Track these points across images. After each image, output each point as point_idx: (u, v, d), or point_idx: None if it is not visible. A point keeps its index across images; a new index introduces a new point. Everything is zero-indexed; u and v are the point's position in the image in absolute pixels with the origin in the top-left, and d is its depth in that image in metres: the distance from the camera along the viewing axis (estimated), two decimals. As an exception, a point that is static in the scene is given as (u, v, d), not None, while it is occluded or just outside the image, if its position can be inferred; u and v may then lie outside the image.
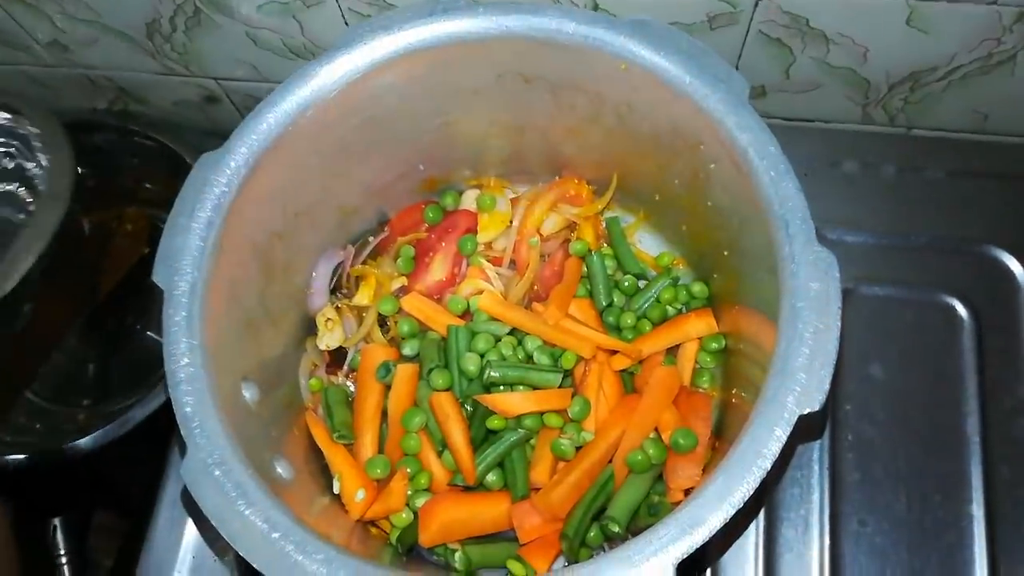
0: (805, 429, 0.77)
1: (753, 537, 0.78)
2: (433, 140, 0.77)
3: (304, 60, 0.71)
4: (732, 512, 0.52)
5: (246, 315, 0.69)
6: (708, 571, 0.77)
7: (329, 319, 0.80)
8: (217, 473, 0.57)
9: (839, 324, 0.55)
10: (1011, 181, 0.90)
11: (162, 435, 0.86)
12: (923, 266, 0.86)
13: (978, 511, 0.78)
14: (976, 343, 0.83)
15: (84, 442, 0.85)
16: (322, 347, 0.80)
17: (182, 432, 0.59)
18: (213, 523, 0.56)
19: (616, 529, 0.67)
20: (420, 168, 0.81)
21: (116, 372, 0.98)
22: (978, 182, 0.90)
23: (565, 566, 0.67)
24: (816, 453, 0.80)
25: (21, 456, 0.86)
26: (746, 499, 0.52)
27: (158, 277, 0.63)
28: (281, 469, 0.66)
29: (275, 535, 0.56)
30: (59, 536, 0.96)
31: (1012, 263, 0.86)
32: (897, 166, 0.90)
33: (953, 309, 0.85)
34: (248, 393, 0.66)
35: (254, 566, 0.55)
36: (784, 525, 0.78)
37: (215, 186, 0.64)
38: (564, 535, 0.67)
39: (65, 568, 0.95)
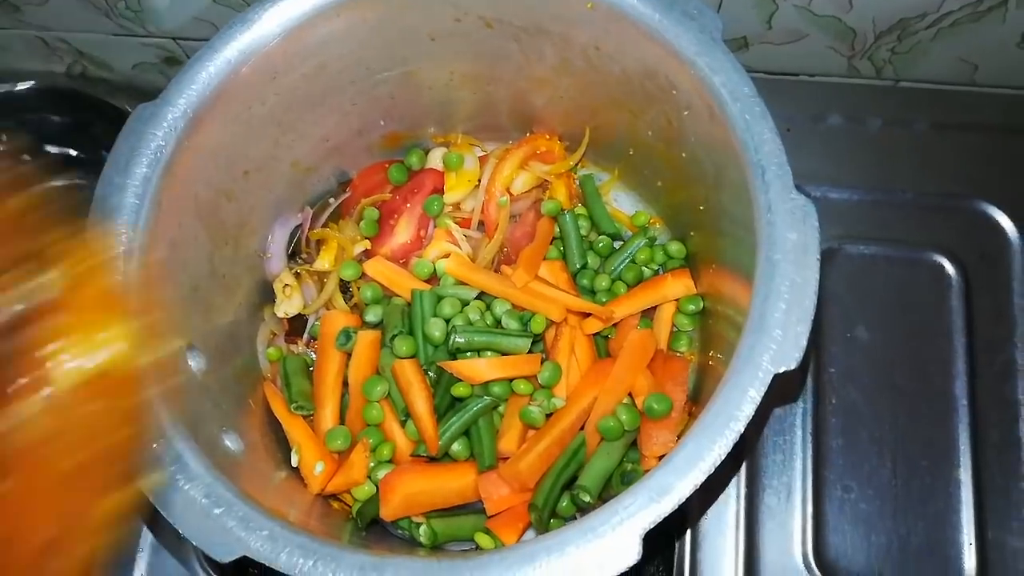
0: (782, 390, 0.74)
1: (734, 505, 0.75)
2: (391, 92, 0.73)
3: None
4: (702, 479, 0.48)
5: (191, 280, 0.65)
6: (688, 539, 0.74)
7: (287, 285, 0.76)
8: (155, 446, 0.53)
9: (817, 277, 0.51)
10: (1001, 134, 0.86)
11: None
12: (909, 223, 0.82)
13: (965, 476, 0.75)
14: (964, 302, 0.80)
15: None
16: (280, 315, 0.76)
17: (119, 402, 0.55)
18: (150, 499, 0.52)
19: (587, 499, 0.63)
20: (381, 123, 0.76)
21: None
22: (967, 135, 0.86)
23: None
24: (799, 418, 0.77)
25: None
26: (717, 464, 0.48)
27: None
28: (231, 443, 0.62)
29: (217, 511, 0.52)
30: None
31: (1001, 218, 0.83)
32: (883, 119, 0.87)
33: (940, 267, 0.82)
34: (194, 363, 0.62)
35: (194, 544, 0.51)
36: (766, 493, 0.75)
37: (151, 140, 0.60)
38: (533, 506, 0.64)
39: None
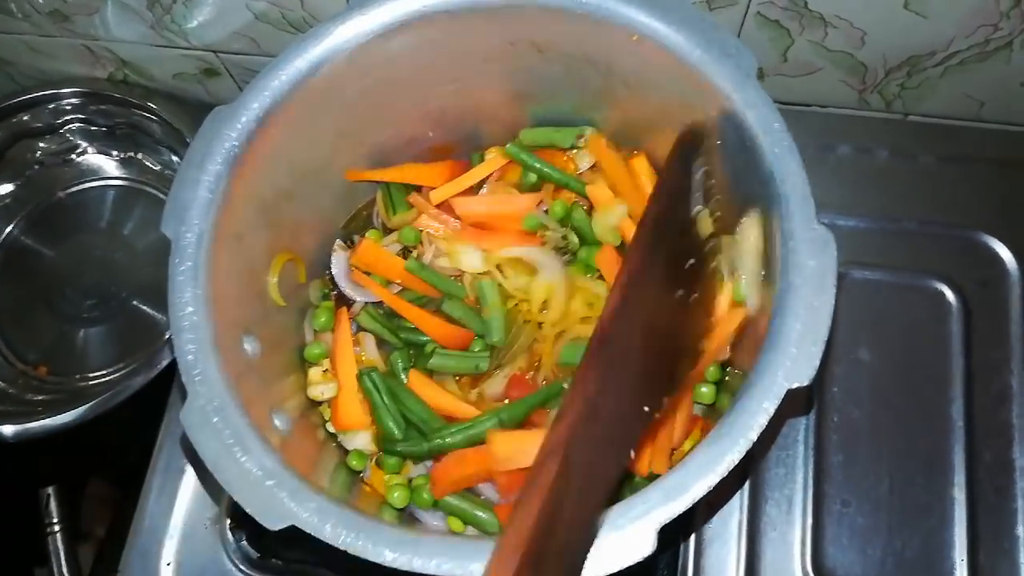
0: (793, 404, 0.78)
1: (737, 515, 0.79)
2: (443, 106, 0.78)
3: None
4: (716, 480, 0.52)
5: (251, 271, 0.70)
6: (692, 545, 0.78)
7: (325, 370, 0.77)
8: (216, 420, 0.58)
9: (832, 302, 0.55)
10: (1002, 168, 0.90)
11: (155, 405, 0.87)
12: (913, 252, 0.86)
13: (960, 495, 0.79)
14: (963, 328, 0.84)
15: (78, 412, 0.85)
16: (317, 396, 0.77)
17: (183, 379, 0.60)
18: (209, 468, 0.57)
19: None
20: (430, 135, 0.81)
21: (105, 342, 0.99)
22: (970, 169, 0.90)
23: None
24: (801, 434, 0.80)
25: (15, 426, 0.86)
26: (731, 468, 0.53)
27: (167, 227, 0.64)
28: (279, 422, 0.67)
29: (270, 482, 0.57)
30: (52, 505, 0.96)
31: (1001, 249, 0.87)
32: (890, 151, 0.91)
33: (942, 294, 0.85)
34: (249, 347, 0.67)
35: (247, 511, 0.56)
36: (768, 504, 0.79)
37: (226, 140, 0.65)
38: None
39: (58, 537, 0.96)
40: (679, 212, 0.62)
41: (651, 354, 0.55)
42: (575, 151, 0.80)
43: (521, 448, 0.66)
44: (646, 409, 0.54)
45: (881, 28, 0.79)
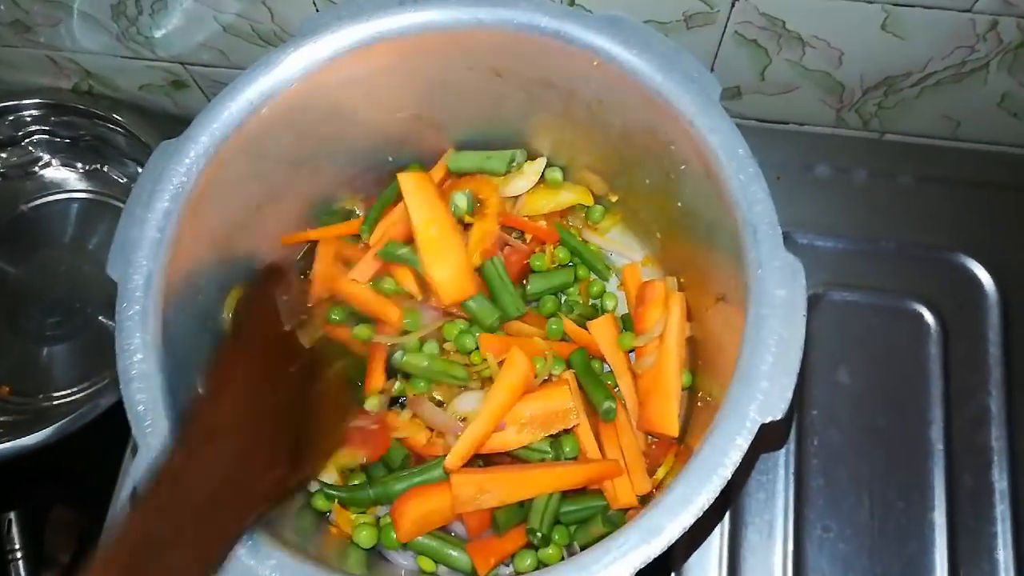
0: (768, 437, 0.76)
1: (718, 541, 0.77)
2: (401, 132, 0.76)
3: (274, 46, 0.70)
4: (692, 521, 0.51)
5: (205, 308, 0.67)
6: (672, 574, 0.77)
7: None
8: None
9: (803, 333, 0.54)
10: (981, 189, 0.90)
11: (121, 428, 0.83)
12: (891, 273, 0.86)
13: (940, 519, 0.78)
14: (942, 350, 0.83)
15: (42, 434, 0.82)
16: None
17: (134, 432, 0.57)
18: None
19: (537, 536, 0.66)
20: (389, 159, 0.79)
21: (70, 361, 0.96)
22: (948, 189, 0.90)
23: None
24: (782, 458, 0.79)
25: (-27, 449, 0.82)
26: (706, 508, 0.51)
27: (113, 270, 0.61)
28: (237, 468, 0.64)
29: (226, 538, 0.54)
30: (14, 531, 0.93)
31: (979, 271, 0.86)
32: (869, 171, 0.90)
33: (920, 316, 0.85)
34: (203, 390, 0.64)
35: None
36: (749, 530, 0.78)
37: (174, 175, 0.63)
38: (531, 530, 0.66)
39: (20, 564, 0.93)
40: (269, 328, 0.66)
41: (256, 440, 0.57)
42: (507, 175, 0.78)
43: (484, 488, 0.65)
44: (258, 487, 0.55)
45: (858, 48, 0.79)
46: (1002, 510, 0.78)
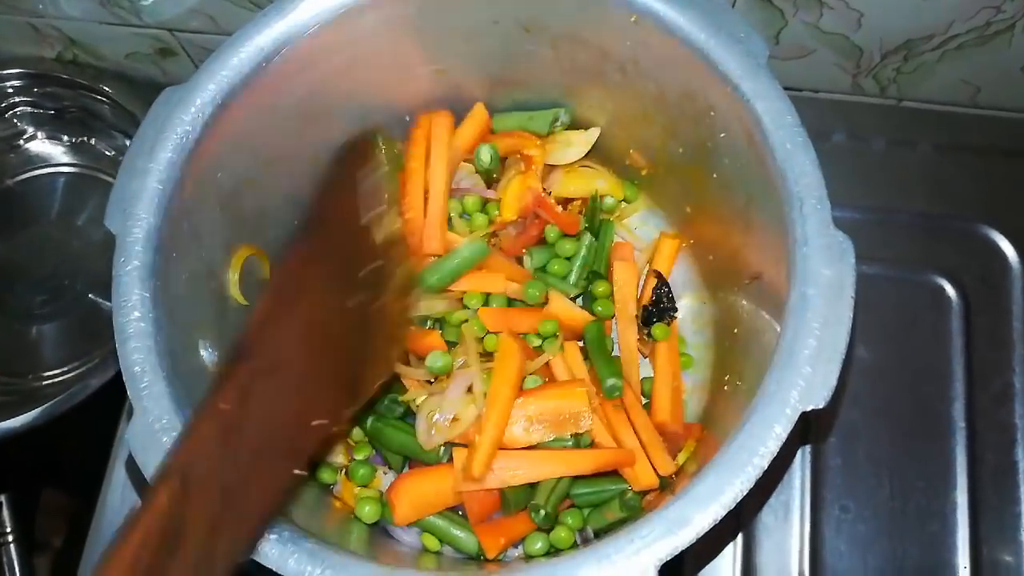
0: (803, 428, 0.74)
1: (732, 522, 0.74)
2: (420, 90, 0.71)
3: (264, 11, 0.65)
4: (723, 513, 0.48)
5: (209, 268, 0.64)
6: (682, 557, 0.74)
7: None
8: (165, 440, 0.52)
9: (851, 315, 0.51)
10: (1003, 157, 0.87)
11: (114, 407, 0.81)
12: (911, 244, 0.83)
13: (962, 498, 0.76)
14: (964, 325, 0.81)
15: (32, 415, 0.80)
16: None
17: (129, 393, 0.54)
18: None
19: (540, 514, 0.63)
20: (406, 119, 0.75)
21: (59, 340, 0.92)
22: (969, 158, 0.86)
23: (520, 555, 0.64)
24: (798, 436, 0.77)
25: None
26: (738, 500, 0.48)
27: (111, 222, 0.57)
28: (239, 436, 0.61)
29: (226, 511, 0.51)
30: (5, 514, 0.91)
31: (1003, 243, 0.83)
32: (886, 139, 0.87)
33: (941, 290, 0.82)
34: (206, 354, 0.61)
35: (202, 543, 0.50)
36: (764, 511, 0.76)
37: (178, 124, 0.59)
38: (534, 506, 0.63)
39: (11, 548, 0.90)
40: (346, 222, 0.58)
41: (318, 367, 0.51)
42: (550, 135, 0.74)
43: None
44: (315, 423, 0.49)
45: (879, 9, 0.75)
46: (1026, 488, 0.76)
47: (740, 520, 0.75)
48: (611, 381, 0.66)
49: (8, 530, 0.91)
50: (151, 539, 0.40)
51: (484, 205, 0.74)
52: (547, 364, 0.68)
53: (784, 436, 0.48)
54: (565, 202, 0.76)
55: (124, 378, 0.54)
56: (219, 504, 0.42)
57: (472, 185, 0.74)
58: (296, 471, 0.48)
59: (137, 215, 0.57)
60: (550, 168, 0.73)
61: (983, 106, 0.88)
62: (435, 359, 0.66)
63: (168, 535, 0.40)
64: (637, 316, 0.72)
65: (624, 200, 0.77)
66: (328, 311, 0.53)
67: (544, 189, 0.73)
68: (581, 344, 0.71)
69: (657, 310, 0.72)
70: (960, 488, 0.76)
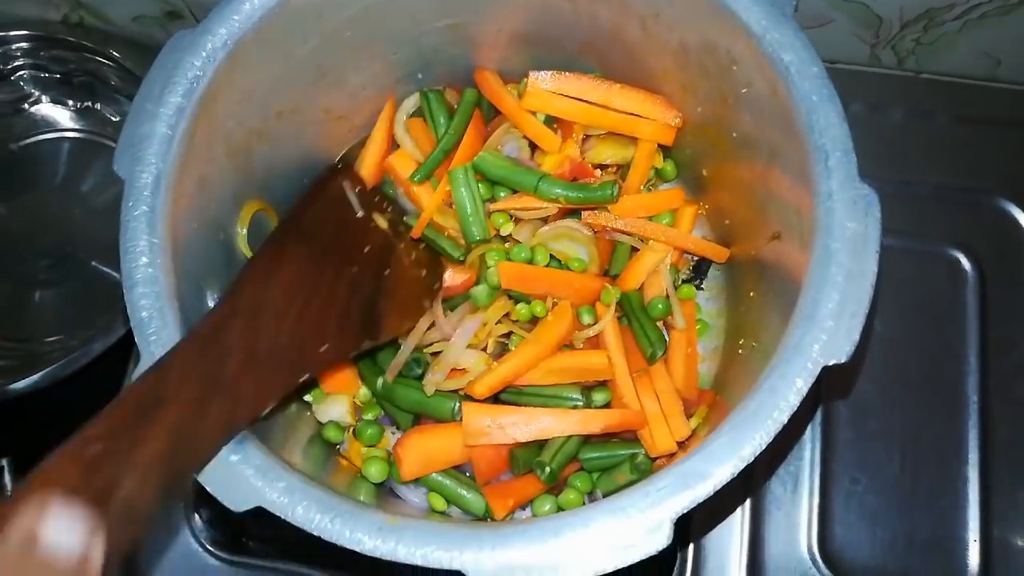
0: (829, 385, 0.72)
1: (740, 493, 0.74)
2: (434, 45, 0.70)
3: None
4: (742, 466, 0.47)
5: (217, 218, 0.63)
6: (693, 525, 0.73)
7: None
8: (173, 388, 0.51)
9: (875, 269, 0.49)
10: (1021, 131, 0.85)
11: (117, 372, 0.81)
12: (927, 216, 0.82)
13: (972, 473, 0.75)
14: (979, 298, 0.80)
15: (34, 379, 0.79)
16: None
17: (136, 340, 0.53)
18: (165, 441, 0.50)
19: (546, 471, 0.62)
20: (419, 76, 0.74)
21: (62, 305, 0.91)
22: (987, 130, 0.85)
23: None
24: (809, 409, 0.76)
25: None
26: (757, 453, 0.47)
27: (119, 166, 0.56)
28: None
29: (234, 458, 0.50)
30: (6, 478, 0.89)
31: (1020, 216, 0.82)
32: (904, 111, 0.86)
33: (957, 262, 0.81)
34: (213, 303, 0.60)
35: (209, 490, 0.50)
36: (773, 482, 0.75)
37: (188, 69, 0.57)
38: (539, 463, 0.62)
39: None
40: (325, 221, 0.66)
41: (313, 310, 0.58)
42: None
43: (497, 422, 0.61)
44: (321, 349, 0.57)
45: None
46: (1040, 465, 0.75)
47: (748, 493, 0.75)
48: (654, 349, 0.66)
49: (11, 493, 0.91)
50: (137, 397, 0.46)
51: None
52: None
53: (805, 390, 0.47)
54: (600, 169, 0.74)
55: (131, 323, 0.53)
56: (201, 389, 0.49)
57: (518, 152, 0.73)
58: (299, 377, 0.55)
59: (146, 160, 0.56)
60: (585, 136, 0.72)
61: (1003, 80, 0.87)
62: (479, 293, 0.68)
63: (152, 396, 0.47)
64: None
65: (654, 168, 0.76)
66: (316, 274, 0.60)
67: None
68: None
69: (696, 272, 0.73)
70: (971, 463, 0.75)
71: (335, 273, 0.62)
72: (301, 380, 0.55)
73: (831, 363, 0.48)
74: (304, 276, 0.59)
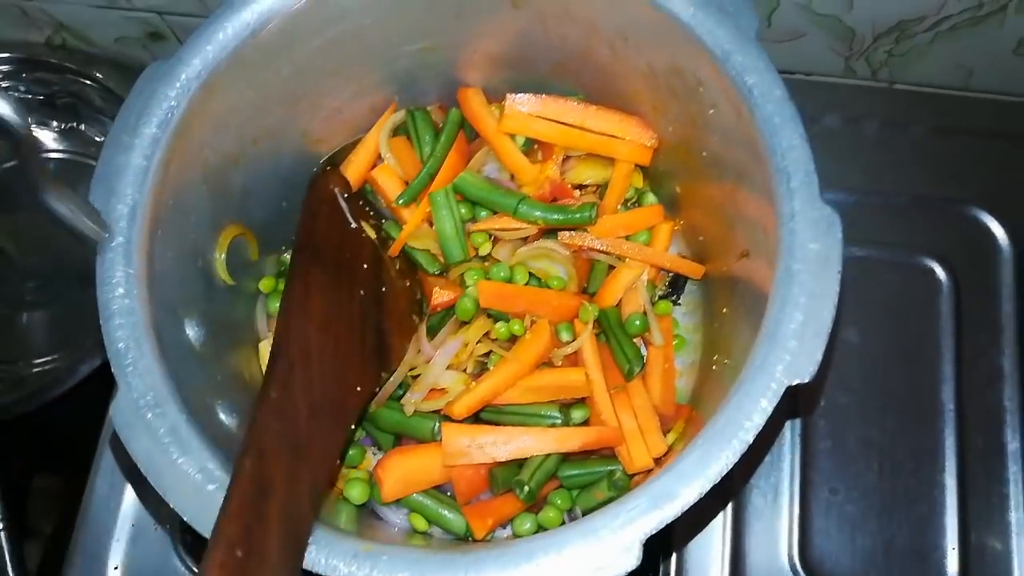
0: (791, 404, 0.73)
1: (720, 504, 0.75)
2: (409, 67, 0.71)
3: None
4: (709, 487, 0.48)
5: (195, 245, 0.63)
6: (674, 537, 0.74)
7: None
8: (150, 416, 0.52)
9: (837, 290, 0.50)
10: (995, 140, 0.87)
11: (104, 395, 0.80)
12: (902, 227, 0.83)
13: (951, 481, 0.76)
14: (954, 308, 0.81)
15: (19, 401, 0.80)
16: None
17: (113, 370, 0.54)
18: (142, 471, 0.51)
19: (524, 490, 0.63)
20: (395, 99, 0.74)
21: (49, 327, 0.92)
22: (961, 141, 0.86)
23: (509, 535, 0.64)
24: (787, 419, 0.77)
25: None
26: (724, 474, 0.48)
27: (95, 198, 0.57)
28: (226, 416, 0.60)
29: (211, 487, 0.51)
30: None
31: (993, 225, 0.83)
32: (879, 122, 0.87)
33: (932, 272, 0.82)
34: (192, 332, 0.61)
35: (186, 520, 0.50)
36: (753, 493, 0.76)
37: (163, 100, 0.58)
38: (518, 482, 0.63)
39: (2, 534, 0.89)
40: (331, 235, 0.68)
41: (346, 347, 0.60)
42: None
43: (476, 442, 0.62)
44: (358, 389, 0.60)
45: None
46: (1015, 471, 0.76)
47: (728, 498, 0.75)
48: (632, 366, 0.67)
49: (-1, 516, 0.91)
50: (249, 490, 0.48)
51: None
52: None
53: (770, 410, 0.48)
54: (580, 189, 0.75)
55: (108, 354, 0.54)
56: (291, 460, 0.50)
57: (498, 172, 0.74)
58: (349, 426, 0.59)
59: (122, 191, 0.57)
60: (565, 157, 0.73)
61: (975, 89, 0.88)
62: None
63: (259, 485, 0.48)
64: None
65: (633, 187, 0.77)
66: (339, 303, 0.62)
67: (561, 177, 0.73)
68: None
69: (672, 288, 0.74)
70: (948, 470, 0.76)
71: (348, 295, 0.63)
72: (350, 430, 0.57)
73: (795, 383, 0.49)
74: (329, 305, 0.61)
